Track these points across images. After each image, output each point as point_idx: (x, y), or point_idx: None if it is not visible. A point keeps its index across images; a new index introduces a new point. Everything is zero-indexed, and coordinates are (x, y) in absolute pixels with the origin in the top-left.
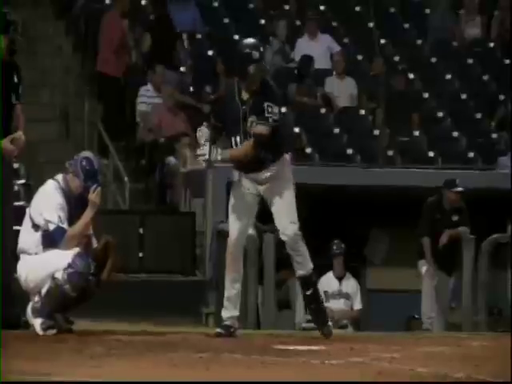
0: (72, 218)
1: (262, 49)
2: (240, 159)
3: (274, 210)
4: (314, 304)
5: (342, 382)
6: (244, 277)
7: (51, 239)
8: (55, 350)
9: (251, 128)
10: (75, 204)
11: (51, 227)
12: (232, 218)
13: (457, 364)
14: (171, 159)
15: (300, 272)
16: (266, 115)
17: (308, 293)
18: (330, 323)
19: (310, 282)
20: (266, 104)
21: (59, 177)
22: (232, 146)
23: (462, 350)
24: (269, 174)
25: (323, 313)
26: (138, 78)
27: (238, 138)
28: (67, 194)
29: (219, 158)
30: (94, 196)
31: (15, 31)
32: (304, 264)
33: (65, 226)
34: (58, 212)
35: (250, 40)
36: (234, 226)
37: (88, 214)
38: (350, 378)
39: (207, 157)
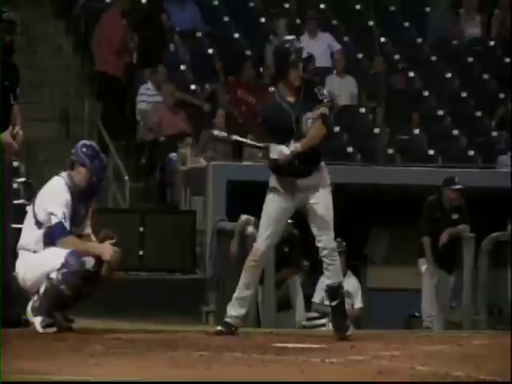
0: (76, 214)
1: (298, 42)
2: (317, 140)
3: (311, 219)
4: (337, 314)
5: (342, 382)
6: None
7: (51, 235)
8: (55, 349)
9: (314, 115)
10: (79, 200)
11: (54, 221)
12: (263, 226)
13: (457, 363)
14: (173, 155)
15: (328, 281)
16: (320, 98)
17: (333, 304)
18: (348, 332)
19: (336, 293)
20: (315, 89)
21: (64, 174)
22: None
23: (462, 349)
24: (312, 182)
25: (344, 321)
26: (137, 77)
27: (291, 145)
28: (72, 190)
29: (290, 151)
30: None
31: (9, 31)
32: (334, 274)
33: (67, 224)
34: (63, 208)
35: (285, 38)
36: (263, 235)
37: (94, 252)
38: (350, 376)
39: (273, 155)
